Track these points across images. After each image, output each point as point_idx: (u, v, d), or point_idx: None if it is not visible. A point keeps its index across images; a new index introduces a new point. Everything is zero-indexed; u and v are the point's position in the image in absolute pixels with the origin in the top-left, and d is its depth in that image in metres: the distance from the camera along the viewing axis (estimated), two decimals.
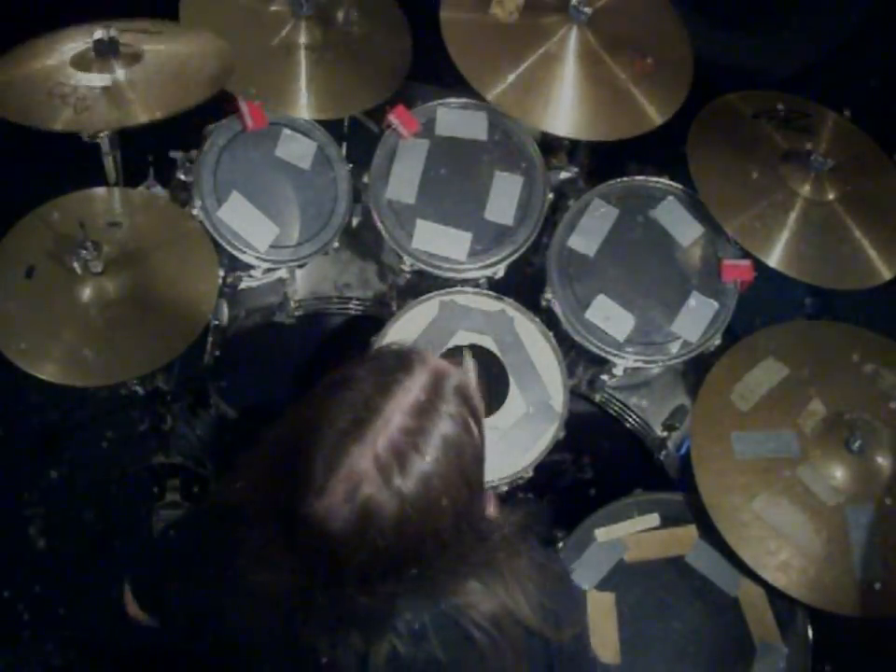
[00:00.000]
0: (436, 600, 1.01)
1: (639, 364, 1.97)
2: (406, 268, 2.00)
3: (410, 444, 0.90)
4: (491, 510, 1.31)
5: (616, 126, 2.04)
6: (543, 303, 1.99)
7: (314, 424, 0.94)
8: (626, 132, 2.04)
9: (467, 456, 0.95)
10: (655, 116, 2.04)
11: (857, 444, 1.72)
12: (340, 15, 2.13)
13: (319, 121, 2.06)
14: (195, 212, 1.94)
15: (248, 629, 1.07)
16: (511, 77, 2.00)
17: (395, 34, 2.19)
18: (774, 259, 1.91)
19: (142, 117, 1.69)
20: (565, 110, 2.01)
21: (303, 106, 2.02)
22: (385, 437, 0.90)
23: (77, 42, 1.77)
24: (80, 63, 1.72)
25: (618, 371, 2.00)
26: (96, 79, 1.71)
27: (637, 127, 2.04)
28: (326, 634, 0.99)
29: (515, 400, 1.86)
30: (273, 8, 2.08)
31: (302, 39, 2.05)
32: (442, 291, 1.95)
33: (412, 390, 0.93)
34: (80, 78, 1.70)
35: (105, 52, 1.79)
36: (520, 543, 1.07)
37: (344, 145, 2.18)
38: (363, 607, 0.96)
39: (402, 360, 0.97)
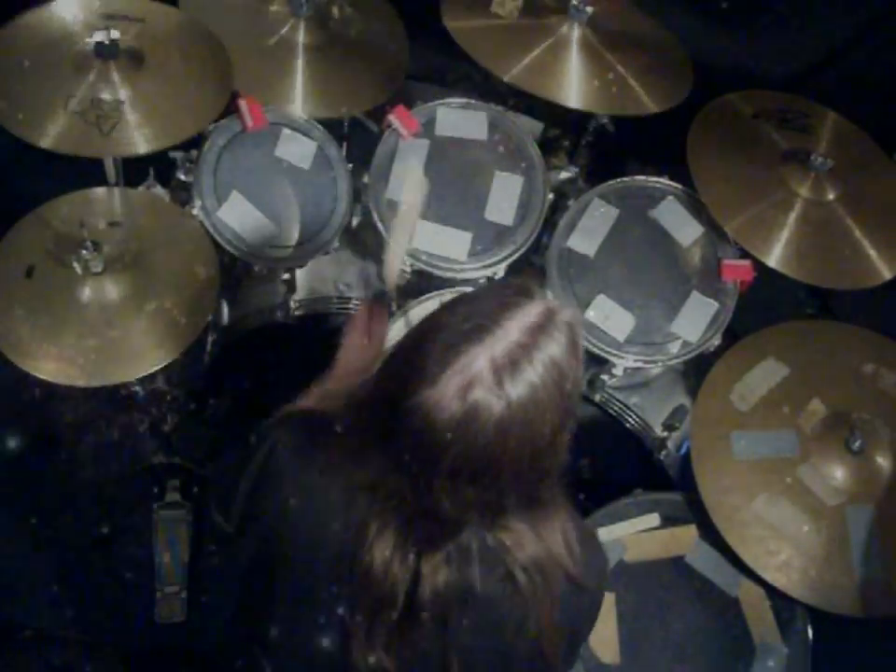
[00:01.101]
0: (494, 527, 1.05)
1: (639, 364, 1.97)
2: (406, 268, 2.00)
3: (524, 356, 0.96)
4: None
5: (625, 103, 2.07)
6: None
7: (434, 326, 1.01)
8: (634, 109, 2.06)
9: (569, 382, 1.00)
10: (655, 103, 2.06)
11: (857, 444, 1.72)
12: (335, 11, 2.13)
13: (319, 121, 2.06)
14: (195, 212, 1.94)
15: (315, 529, 1.10)
16: (525, 61, 2.03)
17: (392, 33, 2.19)
18: (773, 259, 1.91)
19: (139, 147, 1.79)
20: (574, 86, 2.04)
21: (301, 105, 2.03)
22: (503, 344, 0.96)
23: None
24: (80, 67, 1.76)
25: (618, 371, 2.00)
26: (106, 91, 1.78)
27: (642, 108, 2.06)
28: (389, 542, 1.03)
29: None
30: (273, 9, 2.08)
31: (301, 39, 2.05)
32: (442, 291, 1.95)
33: (530, 313, 0.99)
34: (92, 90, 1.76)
35: (106, 55, 1.80)
36: (564, 496, 1.13)
37: (344, 145, 2.18)
38: (436, 513, 1.00)
39: (524, 288, 1.03)
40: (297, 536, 1.12)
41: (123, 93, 1.82)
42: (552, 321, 1.00)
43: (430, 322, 1.03)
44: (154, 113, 1.83)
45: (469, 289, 1.97)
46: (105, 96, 1.80)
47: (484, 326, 0.97)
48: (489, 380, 0.95)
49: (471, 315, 0.99)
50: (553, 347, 0.98)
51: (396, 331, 1.89)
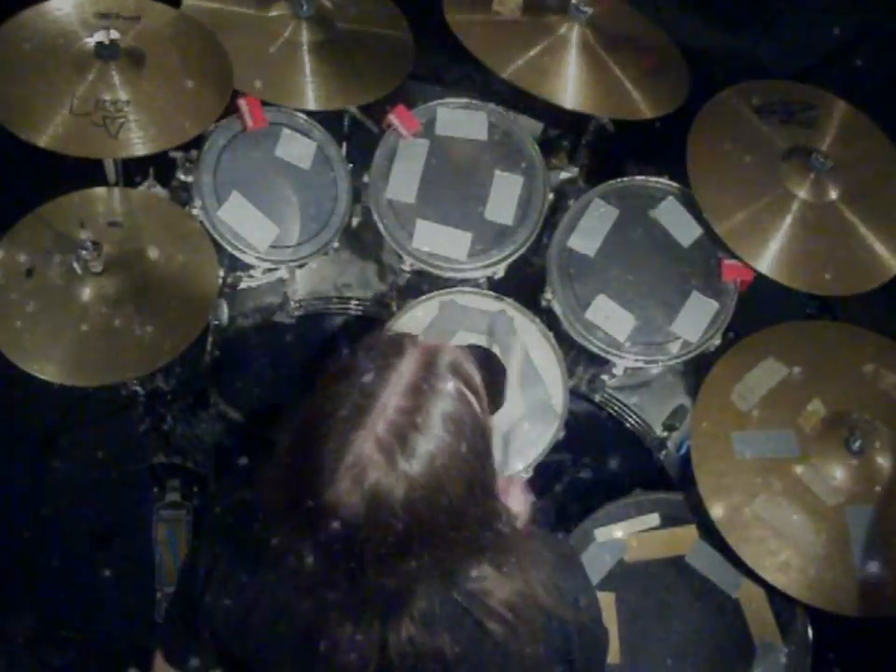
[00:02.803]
0: (452, 585, 1.02)
1: (639, 364, 1.97)
2: (406, 268, 2.00)
3: (409, 424, 0.91)
4: (519, 493, 1.35)
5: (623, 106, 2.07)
6: (543, 303, 1.99)
7: (317, 417, 0.95)
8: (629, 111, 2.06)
9: (467, 429, 0.95)
10: (653, 109, 2.06)
11: (857, 444, 1.72)
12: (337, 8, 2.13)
13: (319, 121, 2.06)
14: (195, 212, 1.94)
15: (273, 628, 1.09)
16: (523, 59, 2.02)
17: (396, 31, 2.19)
18: (765, 266, 1.90)
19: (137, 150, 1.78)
20: (572, 87, 2.03)
21: (308, 98, 2.03)
22: (383, 420, 0.91)
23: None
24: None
25: (618, 371, 2.00)
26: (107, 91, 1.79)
27: (641, 112, 2.06)
28: (348, 620, 1.00)
29: (515, 400, 1.86)
30: (274, 10, 2.08)
31: (304, 39, 2.05)
32: (442, 291, 1.95)
33: (404, 372, 0.94)
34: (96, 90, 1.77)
35: (107, 55, 1.80)
36: (531, 526, 1.10)
37: (344, 145, 2.18)
38: (383, 590, 0.97)
39: (394, 345, 0.98)
40: (253, 637, 1.10)
41: (125, 94, 1.81)
42: (431, 372, 0.95)
43: (312, 414, 0.96)
44: (158, 113, 1.83)
45: (468, 288, 1.97)
46: (107, 97, 1.80)
47: (361, 406, 0.91)
48: (381, 463, 0.89)
49: (348, 394, 0.93)
50: (439, 401, 0.93)
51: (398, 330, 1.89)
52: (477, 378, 1.00)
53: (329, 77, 2.06)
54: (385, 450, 0.90)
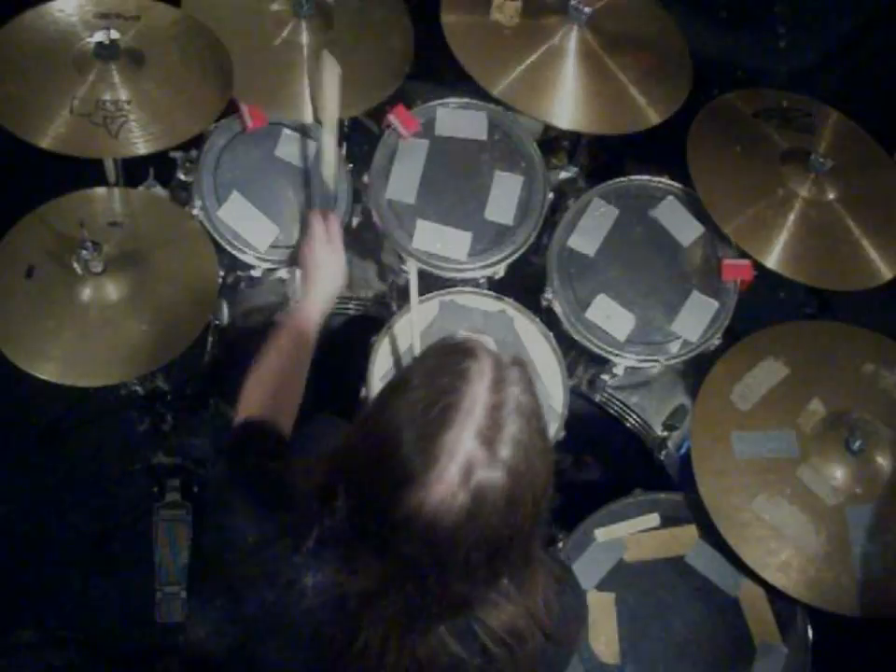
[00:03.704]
0: (485, 599, 1.01)
1: (640, 364, 1.97)
2: (406, 268, 2.00)
3: (500, 417, 0.93)
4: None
5: (618, 121, 2.05)
6: (543, 303, 1.99)
7: (391, 427, 0.95)
8: (627, 127, 2.05)
9: (541, 418, 0.99)
10: (656, 113, 2.05)
11: (857, 444, 1.72)
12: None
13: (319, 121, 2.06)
14: (195, 212, 1.94)
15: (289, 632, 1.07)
16: (515, 73, 2.01)
17: (397, 30, 2.19)
18: (772, 261, 1.91)
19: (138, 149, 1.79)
20: (568, 105, 2.01)
21: (306, 110, 2.02)
22: (479, 413, 0.92)
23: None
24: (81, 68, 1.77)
25: (618, 371, 2.00)
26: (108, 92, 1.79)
27: (639, 123, 2.04)
28: (388, 636, 0.99)
29: None
30: (274, 9, 2.08)
31: (304, 40, 2.05)
32: (442, 291, 1.95)
33: (484, 371, 0.96)
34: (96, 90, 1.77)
35: (106, 55, 1.80)
36: (539, 552, 1.08)
37: (344, 145, 2.18)
38: (450, 598, 0.97)
39: (464, 349, 1.00)
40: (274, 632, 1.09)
41: (126, 94, 1.81)
42: (505, 369, 0.97)
43: (384, 425, 0.96)
44: (158, 112, 1.83)
45: (468, 289, 1.97)
46: (107, 97, 1.80)
47: (451, 403, 0.92)
48: (483, 455, 0.91)
49: (430, 398, 0.94)
50: (518, 393, 0.96)
51: (399, 330, 1.90)
52: (534, 379, 1.03)
53: None
54: (486, 441, 0.91)
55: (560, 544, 1.79)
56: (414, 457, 0.91)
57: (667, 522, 1.82)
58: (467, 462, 0.90)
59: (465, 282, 2.01)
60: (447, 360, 0.99)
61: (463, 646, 1.01)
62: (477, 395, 0.93)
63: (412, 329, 1.85)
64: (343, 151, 2.13)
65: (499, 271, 2.02)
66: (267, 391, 1.45)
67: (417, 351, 1.86)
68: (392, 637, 0.99)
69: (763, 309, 2.15)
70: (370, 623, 0.99)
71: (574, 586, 1.25)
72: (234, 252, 1.96)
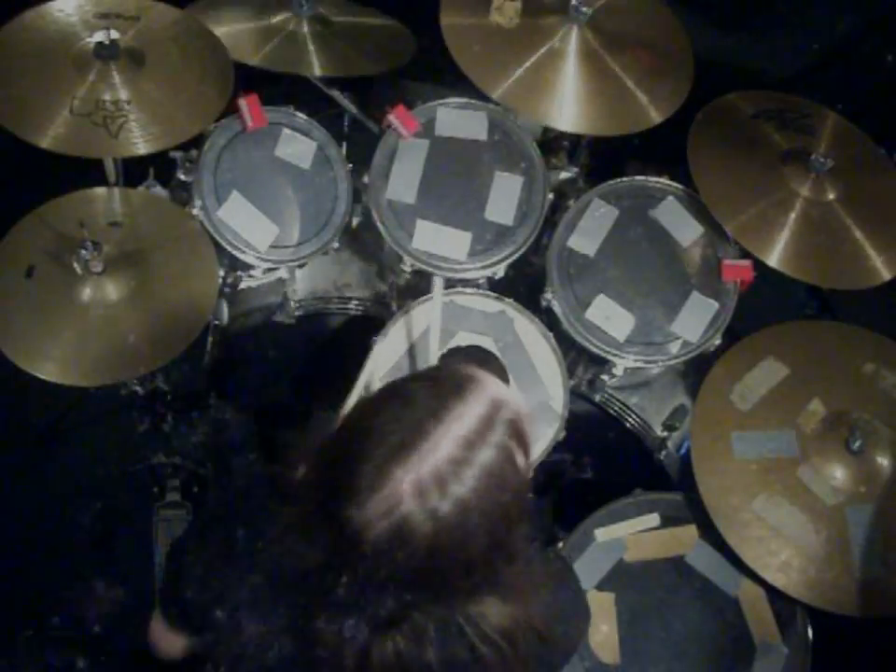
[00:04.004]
0: (451, 610, 1.00)
1: (639, 364, 1.97)
2: (406, 268, 2.00)
3: (453, 473, 0.91)
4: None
5: (618, 122, 2.05)
6: (543, 303, 1.99)
7: (364, 434, 0.95)
8: (628, 128, 2.04)
9: (508, 489, 0.94)
10: (656, 113, 2.04)
11: (857, 444, 1.72)
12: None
13: (319, 121, 2.06)
14: (195, 212, 1.94)
15: (262, 607, 1.08)
16: (514, 76, 2.00)
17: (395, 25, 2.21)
18: (774, 259, 1.91)
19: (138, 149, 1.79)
20: (568, 107, 2.01)
21: (316, 66, 2.07)
22: (430, 463, 0.91)
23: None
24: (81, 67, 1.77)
25: (618, 371, 2.00)
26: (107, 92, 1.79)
27: (639, 123, 2.04)
28: (336, 621, 1.00)
29: None
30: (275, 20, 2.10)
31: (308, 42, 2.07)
32: (442, 291, 1.95)
33: (463, 420, 0.93)
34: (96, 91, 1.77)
35: (106, 55, 1.81)
36: (532, 552, 1.07)
37: (344, 145, 2.18)
38: (380, 606, 0.97)
39: (460, 386, 0.96)
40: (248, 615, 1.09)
41: (126, 94, 1.82)
42: (490, 426, 0.93)
43: (361, 428, 0.96)
44: (158, 112, 1.83)
45: (467, 289, 1.97)
46: (107, 97, 1.80)
47: (410, 443, 0.91)
48: (414, 502, 0.90)
49: (401, 424, 0.93)
50: (489, 457, 0.92)
51: (396, 332, 1.89)
52: (528, 437, 0.99)
53: (331, 48, 2.08)
54: (423, 492, 0.90)
55: (560, 544, 1.79)
56: (362, 476, 0.91)
57: (667, 522, 1.82)
58: (395, 501, 0.90)
59: (465, 282, 2.01)
60: (439, 392, 0.96)
61: (450, 645, 1.01)
62: (439, 443, 0.91)
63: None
64: (343, 151, 2.13)
65: (499, 271, 2.02)
66: None
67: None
68: (336, 624, 0.99)
69: (763, 309, 2.15)
70: (316, 602, 1.00)
71: (574, 584, 1.24)
72: (234, 252, 1.96)
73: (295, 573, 1.02)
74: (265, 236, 1.97)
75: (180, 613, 1.24)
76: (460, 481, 0.90)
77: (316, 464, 1.02)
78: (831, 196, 1.97)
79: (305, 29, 2.15)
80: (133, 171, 2.02)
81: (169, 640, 1.29)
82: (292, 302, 2.13)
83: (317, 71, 2.10)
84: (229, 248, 1.96)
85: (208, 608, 1.13)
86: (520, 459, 0.96)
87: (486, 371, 1.00)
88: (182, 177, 2.00)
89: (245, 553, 1.10)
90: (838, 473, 1.73)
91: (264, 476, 1.17)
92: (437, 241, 2.00)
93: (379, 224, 1.99)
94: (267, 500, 1.09)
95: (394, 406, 0.96)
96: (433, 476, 0.90)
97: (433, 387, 0.97)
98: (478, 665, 1.02)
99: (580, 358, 2.08)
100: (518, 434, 0.96)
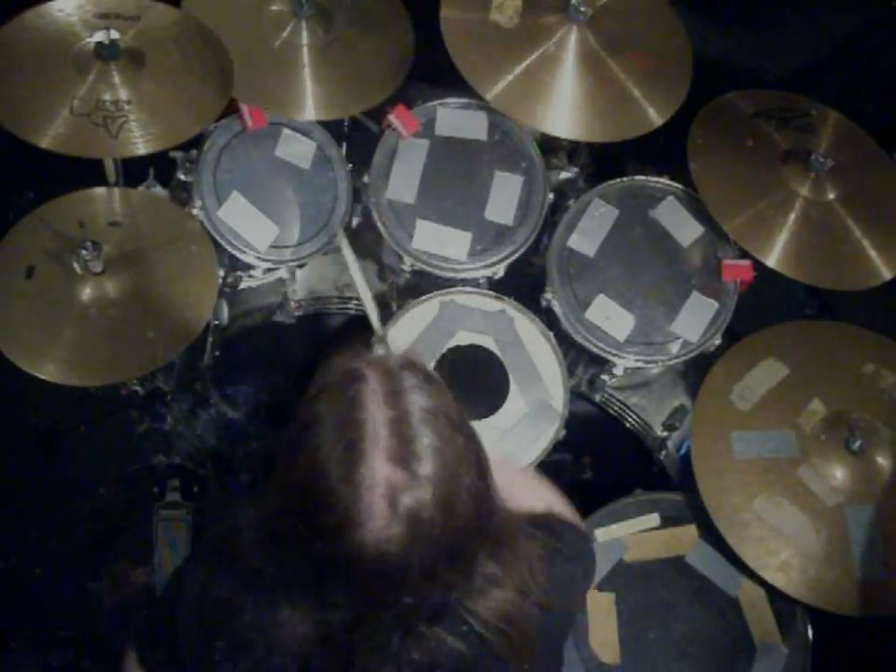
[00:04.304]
0: (459, 597, 1.00)
1: (639, 364, 1.97)
2: (406, 268, 2.00)
3: (407, 431, 0.91)
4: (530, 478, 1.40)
5: (616, 127, 2.04)
6: (543, 303, 1.99)
7: (311, 472, 0.93)
8: (626, 133, 2.04)
9: (452, 414, 0.96)
10: (655, 116, 2.04)
11: (857, 444, 1.72)
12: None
13: (319, 121, 2.06)
14: (195, 212, 1.94)
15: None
16: (511, 78, 2.00)
17: (397, 30, 2.19)
18: (773, 260, 1.91)
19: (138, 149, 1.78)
20: (564, 111, 2.00)
21: (307, 108, 2.02)
22: (384, 436, 0.90)
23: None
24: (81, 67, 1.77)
25: (618, 371, 2.00)
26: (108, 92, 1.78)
27: (637, 128, 2.03)
28: (365, 644, 0.98)
29: (515, 400, 1.87)
30: (274, 9, 2.08)
31: (304, 40, 2.05)
32: (442, 291, 1.95)
33: (375, 390, 0.94)
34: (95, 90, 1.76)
35: (107, 55, 1.80)
36: (522, 524, 1.08)
37: (344, 145, 2.18)
38: (421, 604, 0.96)
39: (348, 372, 0.97)
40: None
41: (126, 94, 1.81)
42: (394, 379, 0.95)
43: (304, 471, 0.93)
44: (158, 112, 1.83)
45: (468, 289, 1.97)
46: (107, 97, 1.80)
47: (355, 437, 0.90)
48: (402, 477, 0.89)
49: (333, 436, 0.92)
50: (418, 399, 0.94)
51: (399, 330, 1.90)
52: (430, 370, 1.01)
53: (328, 85, 2.05)
54: (401, 461, 0.89)
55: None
56: (341, 500, 0.90)
57: (667, 522, 1.82)
58: (389, 490, 0.89)
59: (465, 282, 2.01)
60: (339, 391, 0.95)
61: (460, 640, 1.01)
62: (375, 418, 0.91)
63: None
64: (343, 151, 2.13)
65: (499, 271, 2.02)
66: None
67: (376, 324, 1.91)
68: (388, 653, 0.98)
69: (763, 309, 2.15)
70: (361, 648, 0.98)
71: (570, 544, 1.20)
72: (234, 252, 1.96)
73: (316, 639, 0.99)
74: (265, 236, 1.97)
75: (160, 666, 1.22)
76: (415, 430, 0.91)
77: (284, 523, 0.98)
78: (831, 196, 1.97)
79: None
80: (133, 171, 2.02)
81: None
82: (292, 302, 2.13)
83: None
84: (229, 248, 1.96)
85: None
86: (441, 387, 0.98)
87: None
88: (182, 177, 2.00)
89: (246, 627, 1.06)
90: (838, 473, 1.73)
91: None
92: (437, 241, 2.00)
93: (379, 224, 1.99)
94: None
95: (313, 431, 0.94)
96: (395, 441, 0.90)
97: (328, 393, 0.97)
98: (489, 655, 1.02)
99: (580, 358, 2.08)
100: (422, 370, 0.98)
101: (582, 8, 2.00)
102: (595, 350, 1.96)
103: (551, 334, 1.93)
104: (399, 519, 0.89)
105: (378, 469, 0.89)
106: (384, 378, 0.95)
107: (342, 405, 0.94)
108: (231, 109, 2.00)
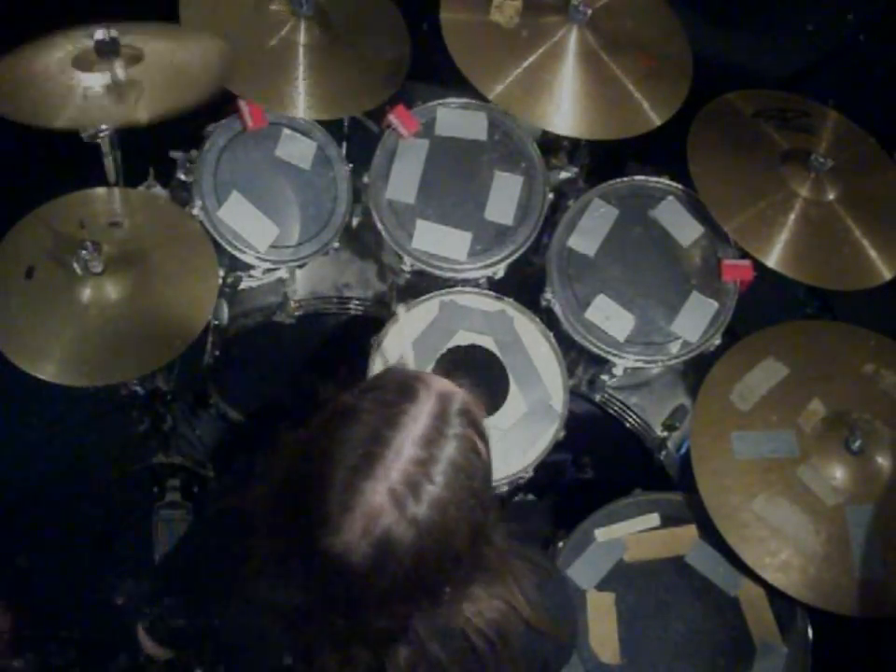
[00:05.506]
0: (446, 611, 1.00)
1: (639, 364, 1.97)
2: (406, 268, 2.00)
3: (422, 474, 0.90)
4: None
5: (617, 125, 2.04)
6: (543, 303, 1.99)
7: (322, 459, 0.93)
8: (626, 131, 2.04)
9: (478, 477, 0.95)
10: (655, 116, 2.04)
11: (857, 444, 1.72)
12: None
13: (319, 121, 2.06)
14: (195, 212, 1.94)
15: (254, 644, 1.08)
16: (512, 77, 2.00)
17: (394, 33, 2.19)
18: (773, 260, 1.91)
19: (143, 117, 1.71)
20: (566, 109, 2.00)
21: (302, 107, 2.02)
22: (398, 470, 0.90)
23: (78, 43, 1.77)
24: (82, 63, 1.73)
25: (618, 371, 2.00)
26: (99, 79, 1.72)
27: (637, 128, 2.04)
28: (336, 651, 0.99)
29: (515, 400, 1.86)
30: (273, 8, 2.07)
31: (302, 39, 2.05)
32: (442, 291, 1.95)
33: (419, 419, 0.93)
34: (83, 78, 1.71)
35: (107, 52, 1.79)
36: (515, 544, 1.08)
37: (344, 145, 2.18)
38: (378, 627, 0.96)
39: (406, 389, 0.96)
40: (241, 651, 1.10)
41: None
42: (444, 420, 0.93)
43: (317, 455, 0.94)
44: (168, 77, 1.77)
45: (467, 291, 1.97)
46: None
47: (374, 454, 0.90)
48: (392, 512, 0.89)
49: (358, 439, 0.92)
50: (451, 450, 0.92)
51: (393, 335, 1.89)
52: (484, 422, 0.99)
53: (322, 85, 2.04)
54: (398, 499, 0.89)
55: (560, 544, 1.79)
56: (333, 500, 0.90)
57: (667, 522, 1.82)
58: (373, 516, 0.89)
59: (465, 282, 2.01)
60: (388, 399, 0.95)
61: (443, 646, 1.01)
62: (402, 448, 0.90)
63: None
64: (343, 151, 2.13)
65: (499, 271, 2.02)
66: None
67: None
68: (337, 658, 0.98)
69: (763, 309, 2.15)
70: (315, 639, 0.99)
71: (558, 581, 1.24)
72: (234, 252, 1.96)
73: (282, 615, 1.01)
74: (265, 236, 1.97)
75: (167, 637, 1.25)
76: (431, 480, 0.90)
77: (278, 500, 0.99)
78: (831, 196, 1.97)
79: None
80: (133, 171, 2.02)
81: (156, 651, 1.31)
82: (292, 302, 2.13)
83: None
84: (229, 248, 1.96)
85: (199, 639, 1.13)
86: (480, 445, 0.97)
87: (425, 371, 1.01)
88: (182, 177, 2.00)
89: (234, 593, 1.08)
90: (838, 473, 1.73)
91: (231, 511, 1.13)
92: (437, 241, 2.00)
93: (379, 224, 1.99)
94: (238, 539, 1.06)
95: (345, 424, 0.94)
96: (404, 481, 0.89)
97: (380, 396, 0.96)
98: (477, 662, 1.03)
99: (580, 358, 2.08)
100: (473, 422, 0.97)
101: (582, 8, 2.00)
102: (594, 350, 1.96)
103: (551, 334, 1.93)
104: (370, 543, 0.89)
105: (377, 494, 0.89)
106: (434, 412, 0.94)
107: (382, 417, 0.93)
108: (232, 109, 2.00)
